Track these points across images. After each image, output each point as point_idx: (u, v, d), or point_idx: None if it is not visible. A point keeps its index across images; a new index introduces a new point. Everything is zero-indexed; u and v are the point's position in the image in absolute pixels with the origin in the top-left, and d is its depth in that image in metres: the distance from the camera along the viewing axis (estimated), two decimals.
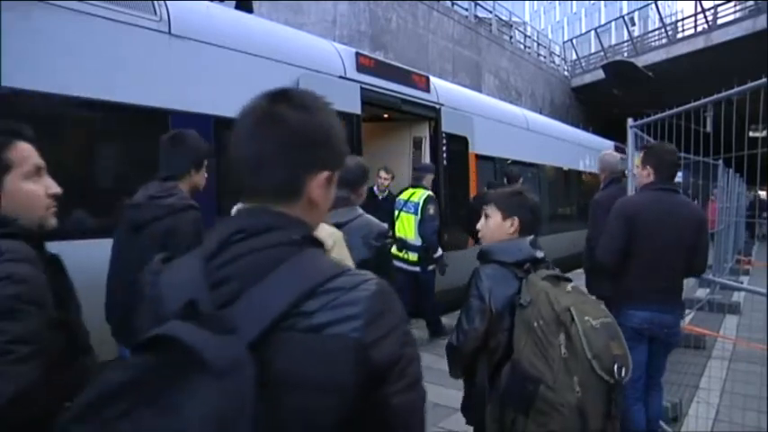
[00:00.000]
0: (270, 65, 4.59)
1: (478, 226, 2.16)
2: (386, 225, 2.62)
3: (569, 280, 1.91)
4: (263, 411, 0.71)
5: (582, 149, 12.16)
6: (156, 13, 3.78)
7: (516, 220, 2.03)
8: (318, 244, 0.92)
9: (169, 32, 3.84)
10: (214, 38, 4.16)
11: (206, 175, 2.69)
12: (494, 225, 2.07)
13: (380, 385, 0.81)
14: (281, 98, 0.95)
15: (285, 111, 0.92)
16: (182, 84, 3.90)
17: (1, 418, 1.06)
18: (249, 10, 5.29)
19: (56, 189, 1.46)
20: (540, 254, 1.96)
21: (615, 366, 1.67)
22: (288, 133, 0.90)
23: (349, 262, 1.93)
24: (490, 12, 20.40)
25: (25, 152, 1.39)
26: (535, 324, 1.69)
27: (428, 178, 5.54)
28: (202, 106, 4.01)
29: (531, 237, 2.03)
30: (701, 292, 7.77)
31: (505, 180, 7.12)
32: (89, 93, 3.40)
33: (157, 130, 3.77)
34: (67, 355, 1.29)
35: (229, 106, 4.41)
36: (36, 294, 1.19)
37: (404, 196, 5.53)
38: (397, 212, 5.50)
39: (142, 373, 0.73)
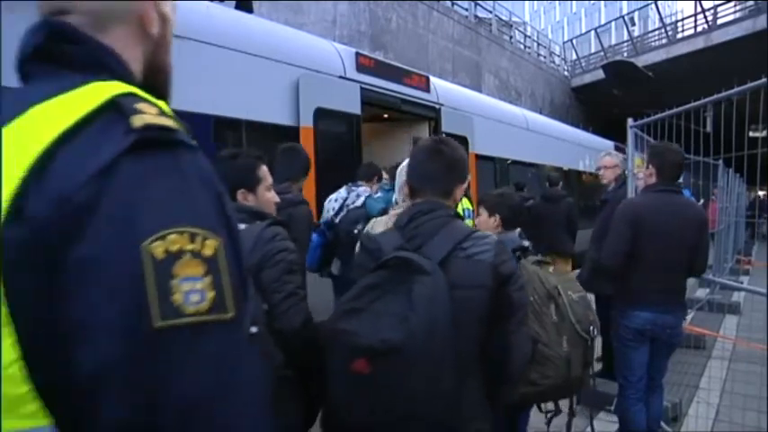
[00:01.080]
0: (270, 65, 4.59)
1: (476, 222, 2.71)
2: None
3: (550, 263, 2.48)
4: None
5: (582, 149, 12.16)
6: None
7: (498, 217, 2.50)
8: (460, 217, 1.69)
9: None
10: (214, 38, 4.16)
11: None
12: (482, 221, 2.57)
13: (505, 286, 1.53)
14: (441, 141, 1.73)
15: (444, 148, 1.68)
16: (181, 84, 3.88)
17: (299, 336, 1.72)
18: (249, 10, 5.29)
19: (277, 199, 2.18)
20: (526, 243, 2.42)
21: (591, 328, 2.24)
22: (446, 162, 1.67)
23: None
24: (490, 12, 20.40)
25: (265, 171, 2.11)
26: (531, 299, 2.10)
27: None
28: (202, 106, 4.01)
29: (518, 230, 2.55)
30: (701, 292, 7.78)
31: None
32: None
33: None
34: None
35: (229, 106, 4.45)
36: (299, 259, 1.91)
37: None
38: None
39: (383, 278, 1.48)
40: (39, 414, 0.56)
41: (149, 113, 0.62)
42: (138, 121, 0.60)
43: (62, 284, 0.55)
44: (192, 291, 0.57)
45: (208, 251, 0.59)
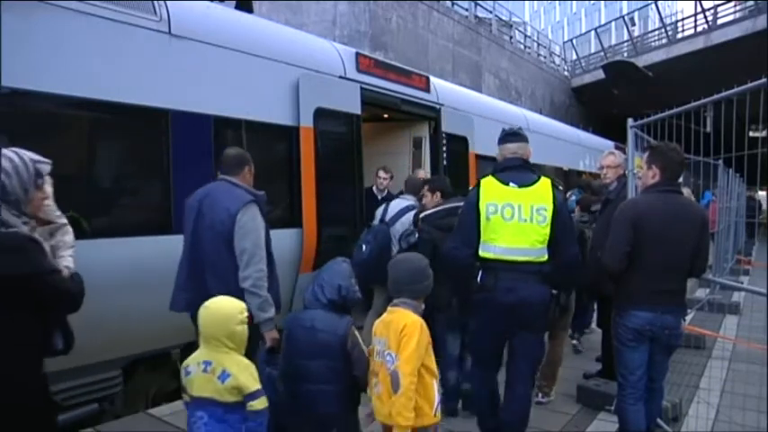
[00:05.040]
0: (270, 65, 4.59)
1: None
2: None
3: None
4: None
5: (582, 149, 12.16)
6: (156, 13, 3.78)
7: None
8: None
9: (169, 32, 3.83)
10: (214, 38, 4.16)
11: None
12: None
13: None
14: None
15: None
16: (181, 84, 3.90)
17: None
18: (249, 10, 5.29)
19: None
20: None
21: None
22: None
23: None
24: (490, 12, 20.40)
25: None
26: None
27: None
28: (202, 106, 4.01)
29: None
30: (701, 292, 7.77)
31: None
32: (89, 93, 3.39)
33: (157, 129, 3.79)
34: None
35: (229, 106, 4.47)
36: None
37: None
38: None
39: None
40: None
41: None
42: None
43: None
44: None
45: None
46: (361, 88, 5.46)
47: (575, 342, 5.48)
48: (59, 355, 2.01)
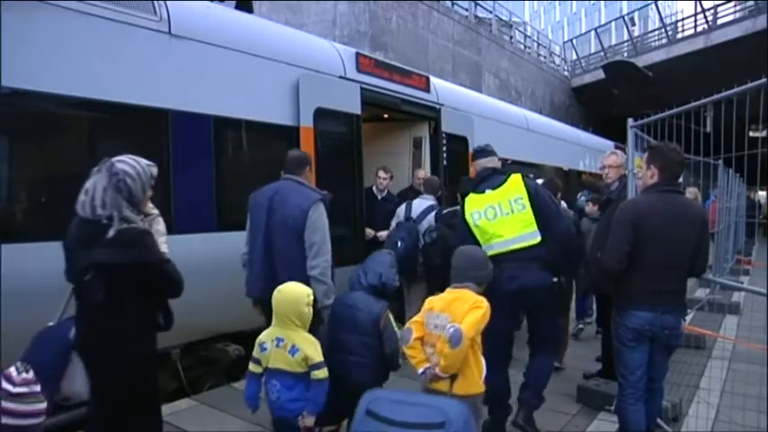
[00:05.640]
0: (270, 65, 4.58)
1: None
2: None
3: None
4: None
5: (582, 149, 12.16)
6: (156, 13, 3.78)
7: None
8: None
9: (169, 32, 3.84)
10: (214, 38, 4.16)
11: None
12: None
13: None
14: None
15: None
16: (181, 83, 3.90)
17: None
18: (249, 10, 5.29)
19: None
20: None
21: None
22: None
23: None
24: (490, 12, 20.40)
25: None
26: None
27: None
28: (202, 106, 4.01)
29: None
30: (701, 293, 7.77)
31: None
32: (89, 93, 3.39)
33: (157, 129, 3.79)
34: None
35: (229, 106, 4.46)
36: None
37: None
38: None
39: None
40: None
41: None
42: None
43: None
44: None
45: None
46: (361, 88, 5.46)
47: (581, 326, 6.01)
48: (163, 331, 2.36)
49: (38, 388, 1.68)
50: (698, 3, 19.66)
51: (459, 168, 7.00)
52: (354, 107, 5.38)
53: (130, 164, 2.27)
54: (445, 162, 6.71)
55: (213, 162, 4.08)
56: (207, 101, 4.05)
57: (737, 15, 18.81)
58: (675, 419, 3.62)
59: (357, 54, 5.67)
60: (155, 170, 2.36)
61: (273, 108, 4.59)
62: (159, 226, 2.48)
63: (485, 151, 3.63)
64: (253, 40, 4.56)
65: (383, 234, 5.34)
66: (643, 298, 2.87)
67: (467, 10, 18.30)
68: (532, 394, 3.32)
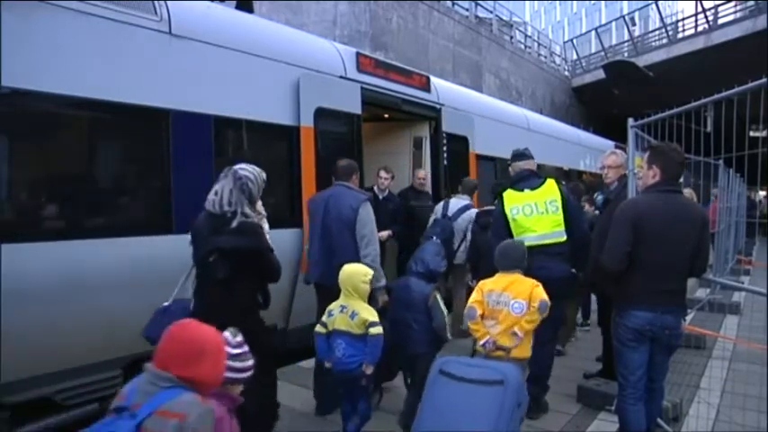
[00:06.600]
0: (270, 65, 4.59)
1: None
2: None
3: None
4: None
5: (582, 149, 12.15)
6: (156, 13, 3.78)
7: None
8: None
9: (169, 32, 3.84)
10: (214, 38, 4.16)
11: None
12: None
13: None
14: None
15: None
16: (182, 83, 3.90)
17: None
18: (249, 10, 5.29)
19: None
20: None
21: None
22: None
23: None
24: (491, 12, 20.40)
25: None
26: None
27: None
28: (203, 106, 4.01)
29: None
30: (702, 293, 7.77)
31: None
32: (89, 93, 3.39)
33: (158, 129, 3.79)
34: None
35: (230, 106, 4.46)
36: None
37: None
38: None
39: None
40: None
41: None
42: None
43: None
44: None
45: None
46: (362, 88, 5.46)
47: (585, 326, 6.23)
48: (262, 309, 2.95)
49: (247, 348, 1.94)
50: (698, 3, 19.66)
51: (460, 168, 7.01)
52: (355, 107, 5.38)
53: (250, 170, 2.89)
54: (445, 162, 6.71)
55: (214, 162, 4.08)
56: (207, 101, 4.05)
57: (738, 15, 18.80)
58: (676, 419, 3.62)
59: (357, 54, 5.67)
60: (264, 175, 2.96)
61: (274, 108, 4.59)
62: (265, 224, 3.04)
63: (523, 155, 4.06)
64: (253, 40, 4.56)
65: (384, 234, 5.34)
66: (643, 298, 2.87)
67: (467, 10, 18.30)
68: (534, 381, 3.57)
